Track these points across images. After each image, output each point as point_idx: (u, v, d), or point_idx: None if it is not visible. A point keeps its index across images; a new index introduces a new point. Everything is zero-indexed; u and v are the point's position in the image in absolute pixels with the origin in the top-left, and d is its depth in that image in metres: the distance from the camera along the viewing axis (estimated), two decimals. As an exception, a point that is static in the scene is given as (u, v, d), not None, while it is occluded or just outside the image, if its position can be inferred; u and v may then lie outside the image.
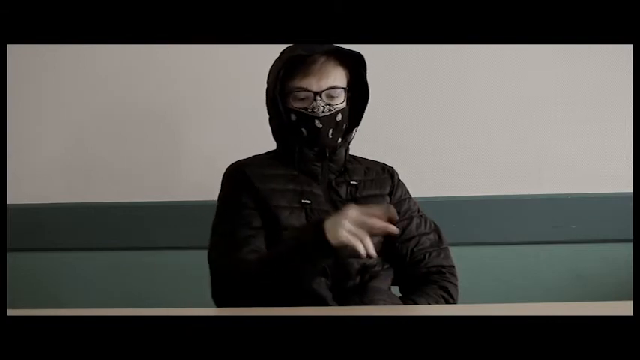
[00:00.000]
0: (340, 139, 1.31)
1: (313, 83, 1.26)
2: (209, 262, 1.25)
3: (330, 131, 1.28)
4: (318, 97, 1.25)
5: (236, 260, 1.19)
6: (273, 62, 1.31)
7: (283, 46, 1.30)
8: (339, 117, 1.28)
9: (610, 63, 1.73)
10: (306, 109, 1.26)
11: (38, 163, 1.83)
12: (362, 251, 1.05)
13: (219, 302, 1.23)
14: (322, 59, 1.26)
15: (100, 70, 1.83)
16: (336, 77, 1.27)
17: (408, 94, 1.78)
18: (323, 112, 1.26)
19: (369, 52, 1.31)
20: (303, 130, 1.27)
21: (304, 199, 1.26)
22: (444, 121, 1.77)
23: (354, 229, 1.06)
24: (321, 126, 1.26)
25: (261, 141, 1.38)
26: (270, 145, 1.38)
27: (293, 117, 1.28)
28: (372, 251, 1.06)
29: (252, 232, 1.24)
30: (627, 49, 1.32)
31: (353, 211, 1.08)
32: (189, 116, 1.81)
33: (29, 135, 1.83)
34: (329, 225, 1.08)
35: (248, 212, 1.26)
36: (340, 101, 1.28)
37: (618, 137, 1.73)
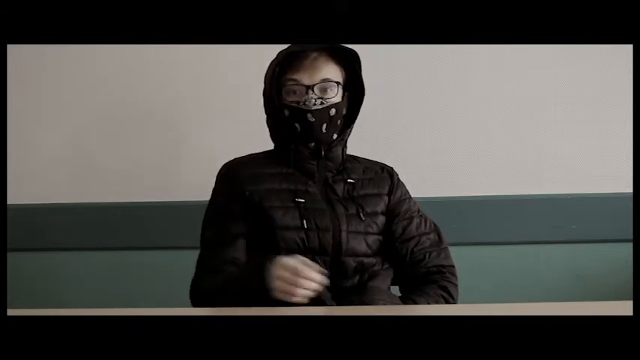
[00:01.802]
0: (335, 135, 1.31)
1: (305, 77, 1.27)
2: None
3: (324, 125, 1.28)
4: (310, 91, 1.26)
5: (199, 290, 1.25)
6: (270, 63, 1.31)
7: (284, 47, 1.30)
8: (333, 111, 1.28)
9: (610, 63, 1.73)
10: (298, 103, 1.27)
11: (38, 163, 1.83)
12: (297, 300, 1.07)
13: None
14: (314, 54, 1.27)
15: (100, 70, 1.83)
16: (328, 71, 1.28)
17: (408, 94, 1.78)
18: (315, 105, 1.26)
19: (369, 52, 1.32)
20: (297, 125, 1.28)
21: (298, 198, 1.26)
22: (444, 121, 1.77)
23: (287, 282, 1.06)
24: (313, 120, 1.26)
25: (261, 141, 1.38)
26: (270, 144, 1.38)
27: (286, 112, 1.28)
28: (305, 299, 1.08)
29: (231, 242, 1.26)
30: (627, 49, 1.32)
31: (287, 262, 1.09)
32: (189, 116, 1.81)
33: (29, 135, 1.83)
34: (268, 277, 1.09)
35: (231, 220, 1.27)
36: (333, 95, 1.28)
37: (618, 137, 1.73)
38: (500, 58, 1.76)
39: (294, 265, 1.07)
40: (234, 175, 1.32)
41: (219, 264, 1.23)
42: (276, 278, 1.07)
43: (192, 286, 1.27)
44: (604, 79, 1.75)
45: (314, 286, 1.07)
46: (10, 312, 0.90)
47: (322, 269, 1.11)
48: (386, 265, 1.31)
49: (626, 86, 1.67)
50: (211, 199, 1.35)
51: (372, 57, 1.33)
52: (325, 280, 1.09)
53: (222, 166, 1.36)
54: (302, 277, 1.06)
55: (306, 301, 1.07)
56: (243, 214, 1.27)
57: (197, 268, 1.29)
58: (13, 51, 1.63)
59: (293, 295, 1.06)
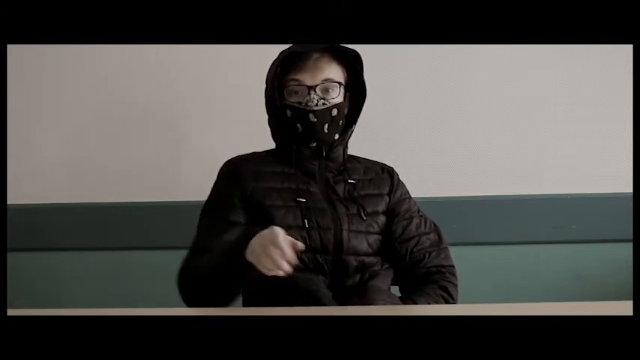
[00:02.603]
0: (337, 136, 1.31)
1: (307, 78, 1.27)
2: None
3: (326, 126, 1.28)
4: (312, 92, 1.26)
5: (188, 268, 1.25)
6: (271, 63, 1.31)
7: (284, 46, 1.30)
8: (335, 112, 1.28)
9: (610, 63, 1.73)
10: (300, 103, 1.27)
11: (38, 163, 1.83)
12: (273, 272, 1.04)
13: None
14: (316, 55, 1.28)
15: (100, 70, 1.83)
16: (331, 72, 1.28)
17: (408, 94, 1.78)
18: (317, 105, 1.26)
19: (369, 52, 1.32)
20: (299, 125, 1.28)
21: (299, 198, 1.27)
22: (444, 121, 1.77)
23: (275, 255, 1.03)
24: (315, 120, 1.27)
25: (261, 141, 1.38)
26: (270, 144, 1.38)
27: (289, 113, 1.28)
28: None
29: (227, 228, 1.25)
30: (627, 49, 1.32)
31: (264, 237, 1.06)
32: (189, 116, 1.81)
33: (29, 135, 1.83)
34: (253, 247, 1.07)
35: (229, 209, 1.27)
36: (335, 96, 1.28)
37: (618, 137, 1.73)
38: (500, 58, 1.76)
39: (273, 239, 1.04)
40: (236, 173, 1.32)
41: (211, 246, 1.22)
42: (261, 255, 1.05)
43: (181, 268, 1.27)
44: (604, 79, 1.74)
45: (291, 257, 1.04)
46: (10, 312, 0.90)
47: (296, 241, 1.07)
48: (386, 265, 1.31)
49: (626, 86, 1.66)
50: (211, 192, 1.35)
51: (372, 57, 1.33)
52: (301, 246, 1.06)
53: (225, 163, 1.36)
54: (281, 250, 1.03)
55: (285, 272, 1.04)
56: (243, 209, 1.28)
57: (189, 250, 1.29)
58: (13, 51, 1.63)
59: (279, 269, 1.03)
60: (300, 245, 1.06)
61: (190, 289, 1.23)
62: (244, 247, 1.09)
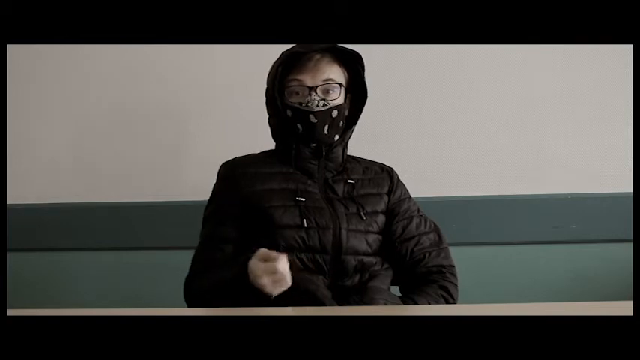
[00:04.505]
0: (337, 137, 1.31)
1: (308, 78, 1.27)
2: None
3: (326, 127, 1.28)
4: (313, 92, 1.26)
5: (194, 285, 1.28)
6: (273, 63, 1.31)
7: (283, 47, 1.30)
8: (335, 113, 1.28)
9: (610, 63, 1.73)
10: (300, 104, 1.27)
11: (38, 163, 1.83)
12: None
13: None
14: (318, 56, 1.28)
15: (99, 70, 1.83)
16: (331, 72, 1.28)
17: (408, 94, 1.78)
18: (317, 106, 1.26)
19: (369, 52, 1.32)
20: (299, 125, 1.28)
21: (298, 197, 1.27)
22: (444, 121, 1.77)
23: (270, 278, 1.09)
24: (315, 121, 1.27)
25: (261, 141, 1.39)
26: (270, 144, 1.38)
27: (289, 113, 1.28)
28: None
29: (221, 246, 1.28)
30: (627, 49, 1.32)
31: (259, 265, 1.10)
32: (189, 116, 1.81)
33: (29, 135, 1.83)
34: (252, 276, 1.11)
35: (224, 224, 1.29)
36: (335, 97, 1.28)
37: (618, 137, 1.73)
38: (500, 58, 1.76)
39: (266, 265, 1.09)
40: (233, 175, 1.32)
41: (207, 266, 1.26)
42: (260, 282, 1.09)
43: (185, 284, 1.29)
44: (604, 79, 1.74)
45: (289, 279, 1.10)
46: (10, 312, 0.90)
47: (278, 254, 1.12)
48: (386, 265, 1.31)
49: (626, 86, 1.67)
50: (211, 197, 1.36)
51: (372, 57, 1.33)
52: (284, 259, 1.10)
53: (222, 166, 1.36)
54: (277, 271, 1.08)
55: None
56: (239, 217, 1.28)
57: (190, 266, 1.31)
58: (13, 51, 1.63)
59: (281, 286, 1.09)
60: (274, 255, 1.09)
61: (199, 303, 1.25)
62: (246, 277, 1.12)
